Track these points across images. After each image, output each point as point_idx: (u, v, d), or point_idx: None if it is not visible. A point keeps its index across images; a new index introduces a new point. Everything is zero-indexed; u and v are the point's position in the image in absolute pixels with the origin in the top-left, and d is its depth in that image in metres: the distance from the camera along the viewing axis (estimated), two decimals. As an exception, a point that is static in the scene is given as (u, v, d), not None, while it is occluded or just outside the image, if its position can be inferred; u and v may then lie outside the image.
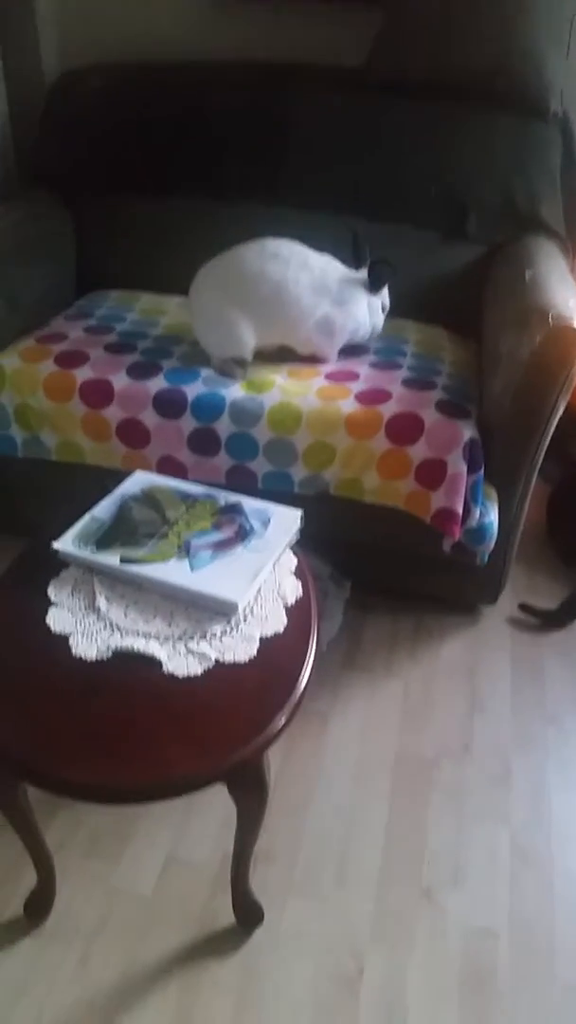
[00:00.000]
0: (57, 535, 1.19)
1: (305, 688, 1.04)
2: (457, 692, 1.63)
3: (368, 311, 1.69)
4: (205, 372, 1.64)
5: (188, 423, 1.58)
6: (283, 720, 1.00)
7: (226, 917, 1.24)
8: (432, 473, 1.53)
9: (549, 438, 1.58)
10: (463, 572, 1.68)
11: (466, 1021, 1.14)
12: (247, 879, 1.20)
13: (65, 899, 1.25)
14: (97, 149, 2.07)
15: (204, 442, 1.59)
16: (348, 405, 1.57)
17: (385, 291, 1.71)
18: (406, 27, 1.89)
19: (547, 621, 1.80)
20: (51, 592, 1.13)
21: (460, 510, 1.53)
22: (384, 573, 1.78)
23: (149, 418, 1.59)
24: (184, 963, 1.19)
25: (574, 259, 2.00)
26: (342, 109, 1.95)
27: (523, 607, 1.82)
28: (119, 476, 1.33)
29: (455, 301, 1.92)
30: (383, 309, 1.72)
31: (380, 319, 1.72)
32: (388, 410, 1.56)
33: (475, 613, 1.81)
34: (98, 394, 1.61)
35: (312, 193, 1.96)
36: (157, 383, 1.61)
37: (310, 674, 1.06)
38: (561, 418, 2.27)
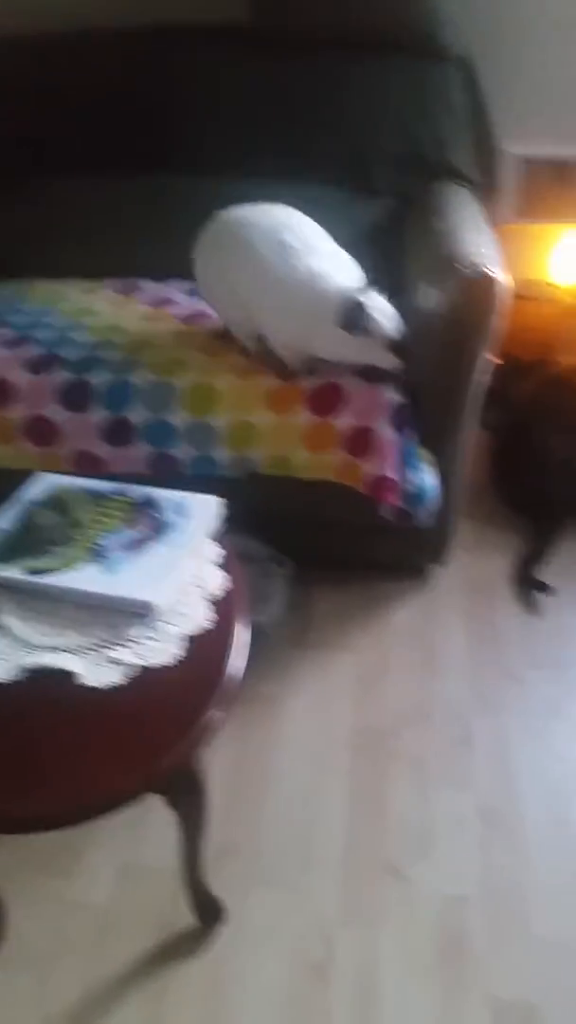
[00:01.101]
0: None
1: (237, 681, 1.01)
2: (412, 659, 1.60)
3: None
4: (109, 357, 1.57)
5: (98, 414, 1.52)
6: (212, 720, 0.96)
7: (190, 918, 1.21)
8: (360, 442, 1.49)
9: (479, 391, 1.54)
10: (408, 536, 1.65)
11: (444, 991, 1.12)
12: (201, 879, 1.16)
13: (18, 922, 1.21)
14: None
15: (118, 432, 1.53)
16: (265, 381, 1.52)
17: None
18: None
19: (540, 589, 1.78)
20: (-43, 615, 1.08)
21: (394, 476, 1.49)
22: (328, 546, 1.73)
23: (56, 413, 1.53)
24: (149, 970, 1.16)
25: (488, 203, 1.94)
26: (231, 67, 1.87)
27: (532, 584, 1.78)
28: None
29: (370, 258, 1.86)
30: None
31: None
32: (308, 381, 1.51)
33: (425, 576, 1.78)
34: (-1, 394, 1.54)
35: (208, 159, 1.87)
36: (60, 375, 1.54)
37: (240, 666, 1.02)
38: (500, 365, 2.25)
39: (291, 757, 1.42)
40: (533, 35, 1.99)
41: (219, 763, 1.40)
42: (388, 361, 1.46)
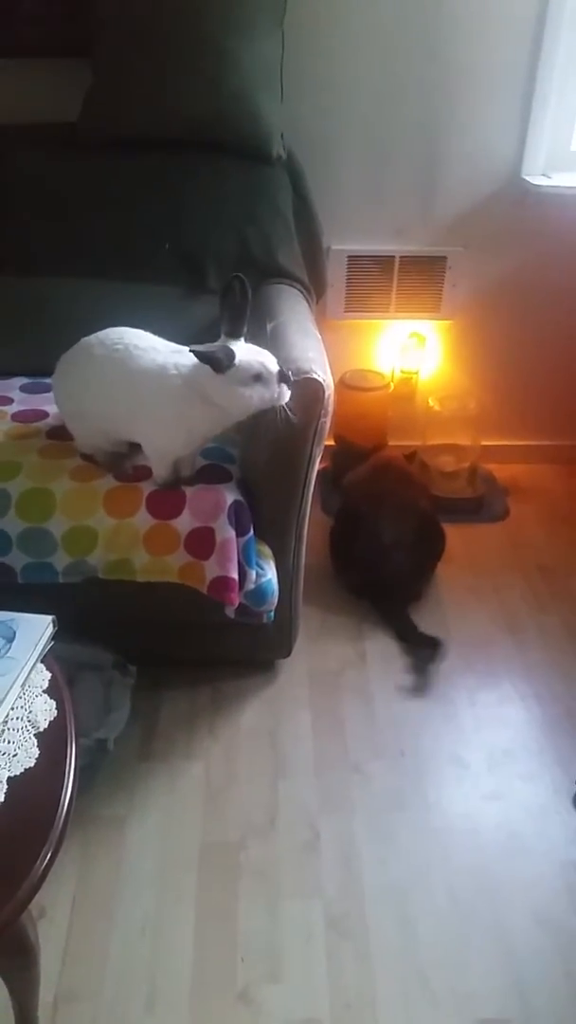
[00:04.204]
0: None
1: (65, 823, 0.94)
2: (260, 761, 1.58)
3: None
4: None
5: None
6: (41, 872, 0.89)
7: None
8: (201, 543, 1.48)
9: (313, 484, 1.58)
10: (252, 631, 1.64)
11: None
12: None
13: None
14: None
15: (-53, 542, 1.44)
16: (103, 484, 1.49)
17: None
18: (116, 81, 1.85)
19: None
20: None
21: (235, 576, 1.48)
22: (172, 645, 1.70)
23: None
24: None
25: (316, 302, 2.03)
26: (61, 169, 1.87)
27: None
28: None
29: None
30: None
31: None
32: (147, 484, 1.50)
33: (272, 669, 1.77)
34: None
35: (42, 258, 1.85)
36: None
37: (68, 808, 0.96)
38: (334, 451, 2.31)
39: (135, 885, 1.35)
40: (347, 141, 2.13)
41: (57, 899, 1.31)
42: (280, 393, 1.39)
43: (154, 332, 1.51)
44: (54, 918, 1.29)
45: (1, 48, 1.93)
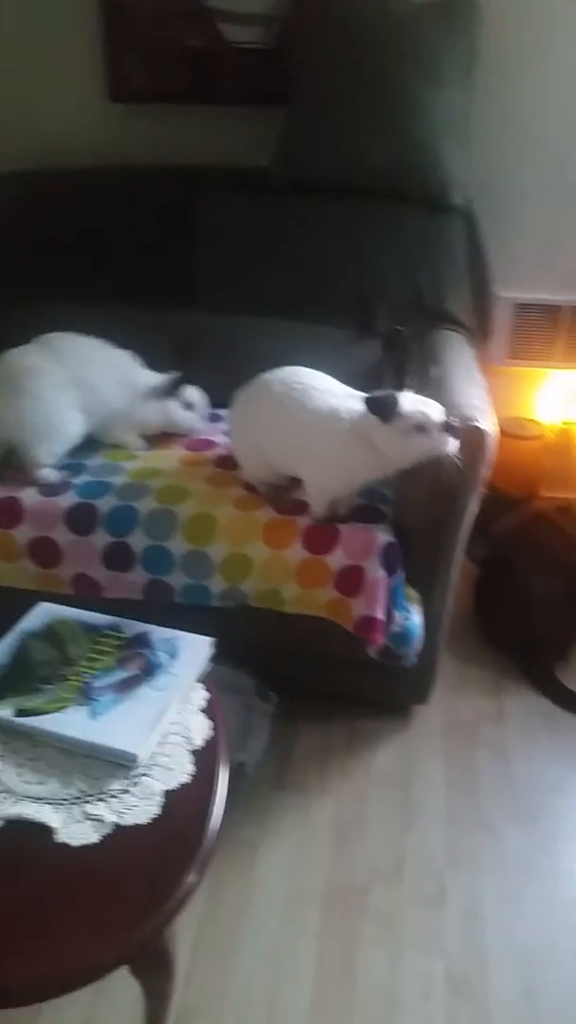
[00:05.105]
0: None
1: (215, 842, 0.98)
2: (390, 807, 1.57)
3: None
4: (117, 482, 1.60)
5: (101, 538, 1.53)
6: (187, 889, 0.93)
7: None
8: (351, 580, 1.50)
9: (467, 530, 1.57)
10: (392, 673, 1.64)
11: None
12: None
13: None
14: (10, 260, 2.04)
15: (118, 557, 1.54)
16: (263, 515, 1.55)
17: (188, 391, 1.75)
18: (308, 128, 1.94)
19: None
20: None
21: (382, 616, 1.49)
22: (313, 678, 1.73)
23: (61, 535, 1.54)
24: None
25: (481, 346, 2.02)
26: (250, 210, 1.98)
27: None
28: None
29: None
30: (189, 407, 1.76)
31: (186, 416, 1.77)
32: (304, 518, 1.54)
33: (407, 714, 1.76)
34: (8, 513, 1.55)
35: (225, 296, 1.95)
36: (68, 498, 1.56)
37: (218, 825, 1.00)
38: (485, 498, 2.29)
39: (261, 913, 1.37)
40: (529, 187, 2.12)
41: (188, 914, 1.34)
42: (443, 443, 1.40)
43: (321, 371, 1.57)
44: (181, 933, 1.33)
45: (203, 96, 2.07)
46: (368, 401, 1.40)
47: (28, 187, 2.09)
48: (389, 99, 1.84)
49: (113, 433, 1.73)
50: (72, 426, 1.65)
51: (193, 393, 1.78)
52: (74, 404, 1.64)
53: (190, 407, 1.77)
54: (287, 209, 1.96)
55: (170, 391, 1.74)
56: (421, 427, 1.40)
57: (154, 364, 1.78)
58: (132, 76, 2.07)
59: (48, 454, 1.63)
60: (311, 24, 1.91)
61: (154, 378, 1.75)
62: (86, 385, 1.65)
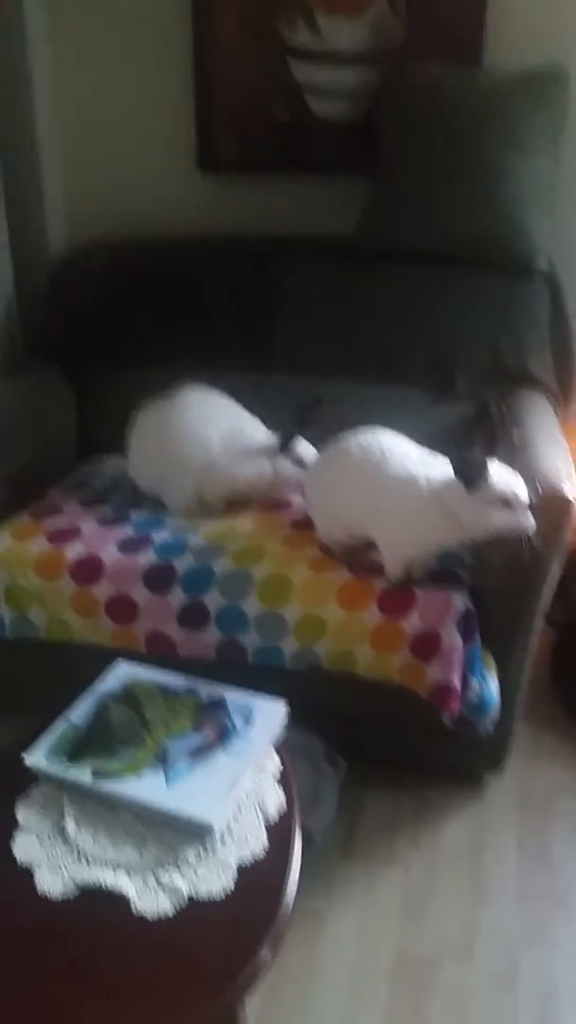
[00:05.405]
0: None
1: (288, 918, 0.98)
2: (461, 880, 1.53)
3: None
4: (193, 542, 1.63)
5: (177, 597, 1.56)
6: (260, 964, 0.93)
7: None
8: (426, 645, 1.49)
9: (547, 596, 1.55)
10: (465, 741, 1.61)
11: None
12: None
13: None
14: (99, 324, 2.13)
15: (194, 616, 1.56)
16: (339, 576, 1.56)
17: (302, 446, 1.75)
18: (392, 198, 1.97)
19: None
20: (19, 813, 1.09)
21: (458, 684, 1.48)
22: (383, 744, 1.71)
23: (138, 593, 1.58)
24: None
25: (564, 410, 2.00)
26: (334, 277, 2.02)
27: None
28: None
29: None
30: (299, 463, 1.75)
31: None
32: (380, 581, 1.54)
33: (480, 784, 1.72)
34: (88, 570, 1.60)
35: (306, 360, 2.00)
36: (147, 557, 1.60)
37: (291, 905, 1.00)
38: (566, 562, 2.23)
39: (328, 984, 1.35)
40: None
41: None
42: (525, 522, 1.38)
43: (400, 433, 1.58)
44: (248, 1005, 1.32)
45: (290, 166, 2.14)
46: (455, 463, 1.41)
47: (127, 257, 2.19)
48: (474, 169, 1.86)
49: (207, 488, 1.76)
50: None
51: (307, 449, 1.77)
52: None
53: (300, 463, 1.76)
54: (369, 276, 2.00)
55: (283, 446, 1.75)
56: (507, 502, 1.39)
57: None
58: (222, 147, 2.16)
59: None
60: (397, 96, 1.96)
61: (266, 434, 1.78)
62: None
